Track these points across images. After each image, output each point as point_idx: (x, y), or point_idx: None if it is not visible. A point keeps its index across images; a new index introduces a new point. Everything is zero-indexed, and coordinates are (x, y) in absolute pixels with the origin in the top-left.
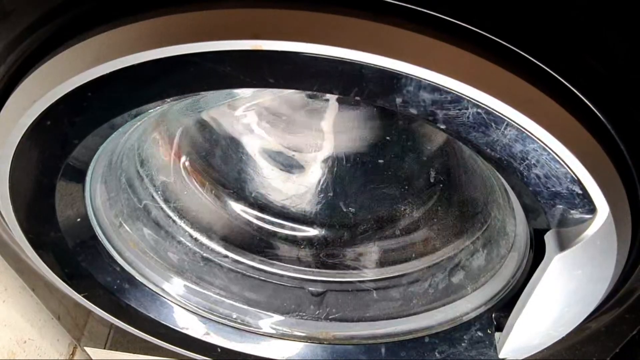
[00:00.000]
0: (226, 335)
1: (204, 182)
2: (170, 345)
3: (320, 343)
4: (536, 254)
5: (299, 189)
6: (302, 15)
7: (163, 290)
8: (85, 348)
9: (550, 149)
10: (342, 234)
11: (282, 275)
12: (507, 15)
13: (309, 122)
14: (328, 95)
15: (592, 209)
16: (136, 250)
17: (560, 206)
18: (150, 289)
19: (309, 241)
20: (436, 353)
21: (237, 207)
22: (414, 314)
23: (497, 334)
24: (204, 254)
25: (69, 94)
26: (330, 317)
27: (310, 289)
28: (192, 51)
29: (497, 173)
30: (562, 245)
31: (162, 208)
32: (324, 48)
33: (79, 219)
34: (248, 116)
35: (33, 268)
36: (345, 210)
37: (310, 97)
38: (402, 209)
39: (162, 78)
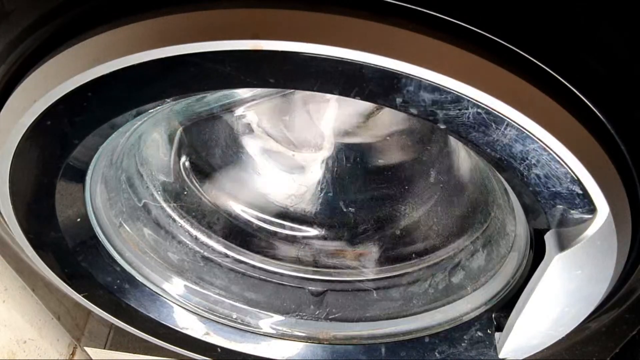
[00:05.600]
0: (226, 335)
1: (204, 182)
2: (170, 345)
3: (320, 343)
4: (536, 254)
5: (299, 189)
6: (302, 15)
7: (163, 290)
8: (85, 348)
9: (550, 149)
10: (342, 234)
11: (282, 275)
12: (507, 15)
13: (309, 122)
14: (328, 95)
15: (592, 209)
16: (136, 250)
17: (560, 206)
18: (150, 289)
19: (309, 241)
20: (436, 353)
21: (237, 207)
22: (414, 314)
23: (497, 334)
24: (204, 254)
25: (69, 94)
26: (330, 317)
27: (310, 288)
28: (192, 51)
29: (497, 173)
30: (562, 245)
31: (162, 207)
32: (324, 48)
33: (79, 219)
34: (248, 116)
35: (33, 268)
36: (345, 210)
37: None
38: (402, 209)
39: (162, 78)
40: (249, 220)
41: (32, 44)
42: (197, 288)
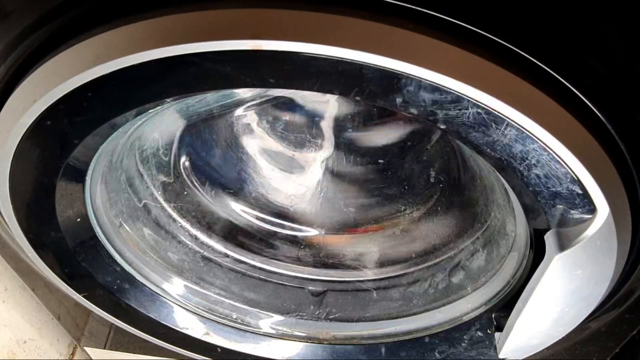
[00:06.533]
0: (226, 335)
1: (204, 182)
2: (170, 345)
3: (320, 343)
4: (536, 254)
5: (299, 189)
6: (302, 15)
7: (163, 290)
8: (85, 348)
9: (550, 149)
10: (342, 234)
11: (282, 275)
12: (507, 15)
13: (309, 122)
14: (328, 96)
15: (592, 209)
16: (136, 250)
17: (560, 206)
18: (150, 289)
19: (309, 241)
20: (436, 353)
21: (237, 207)
22: (414, 314)
23: (497, 334)
24: (204, 254)
25: (69, 94)
26: (330, 317)
27: (310, 288)
28: (192, 51)
29: (497, 173)
30: (562, 245)
31: (162, 208)
32: (324, 48)
33: (79, 219)
34: (248, 116)
35: (33, 268)
36: (345, 210)
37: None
38: (402, 209)
39: (162, 78)
40: (249, 220)
41: (32, 44)
42: (197, 288)
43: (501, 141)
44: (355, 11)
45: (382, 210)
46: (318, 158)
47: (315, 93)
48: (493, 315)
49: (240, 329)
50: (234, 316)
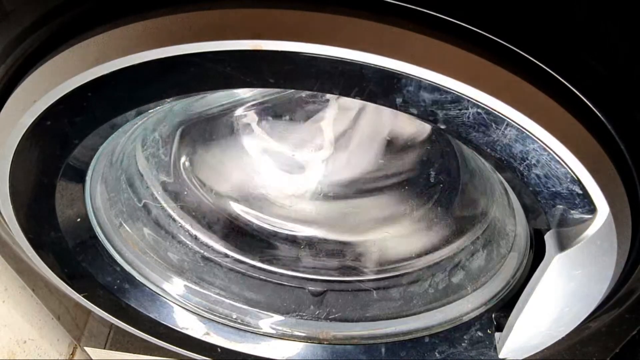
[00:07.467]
0: (226, 335)
1: (204, 182)
2: (170, 345)
3: (320, 343)
4: (536, 254)
5: (299, 189)
6: (302, 15)
7: (163, 290)
8: (85, 348)
9: (550, 149)
10: (342, 234)
11: (282, 275)
12: (507, 15)
13: (309, 122)
14: (328, 96)
15: (592, 209)
16: (136, 250)
17: (560, 206)
18: (150, 289)
19: (309, 241)
20: (436, 353)
21: (237, 207)
22: (414, 314)
23: (497, 334)
24: (204, 254)
25: (69, 94)
26: (330, 317)
27: (310, 288)
28: (192, 51)
29: (497, 173)
30: (562, 245)
31: (162, 208)
32: (324, 48)
33: (79, 219)
34: (248, 116)
35: (33, 268)
36: (345, 210)
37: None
38: (402, 209)
39: (162, 78)
40: (249, 220)
41: (32, 44)
42: (197, 288)
43: (501, 141)
44: (355, 11)
45: (382, 210)
46: (318, 158)
47: (315, 93)
48: (493, 315)
49: (240, 329)
50: (234, 316)
